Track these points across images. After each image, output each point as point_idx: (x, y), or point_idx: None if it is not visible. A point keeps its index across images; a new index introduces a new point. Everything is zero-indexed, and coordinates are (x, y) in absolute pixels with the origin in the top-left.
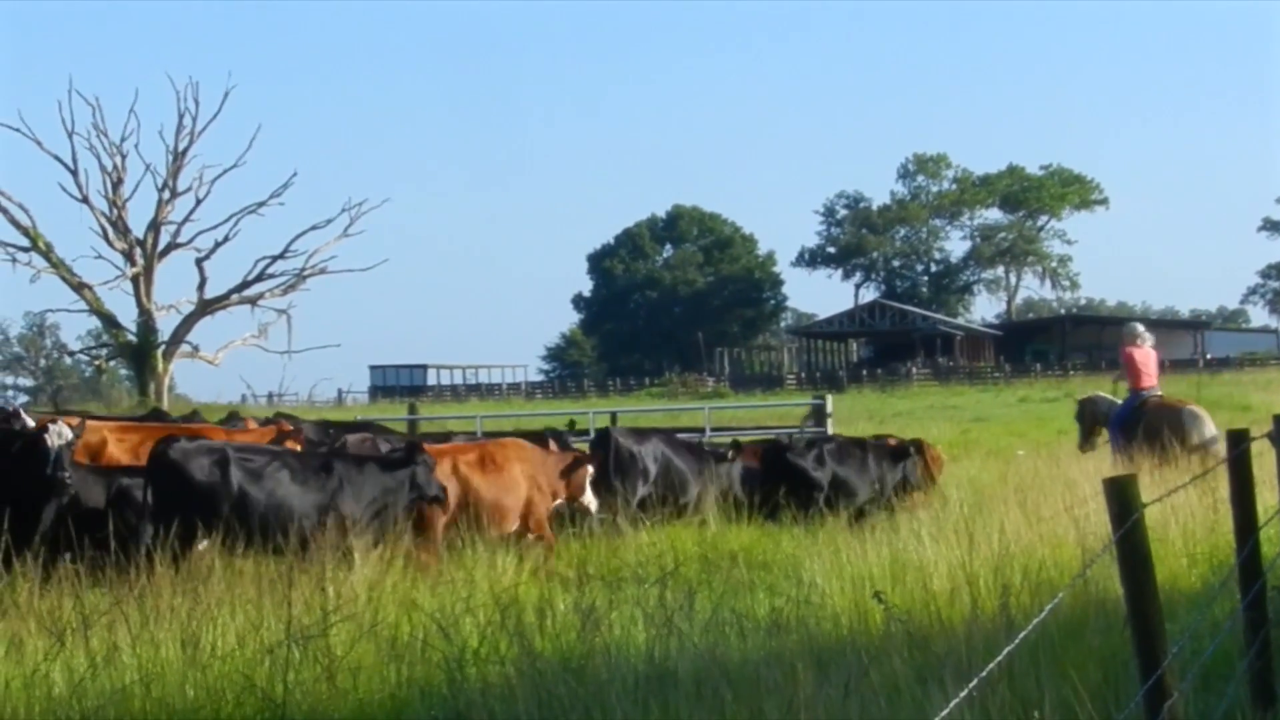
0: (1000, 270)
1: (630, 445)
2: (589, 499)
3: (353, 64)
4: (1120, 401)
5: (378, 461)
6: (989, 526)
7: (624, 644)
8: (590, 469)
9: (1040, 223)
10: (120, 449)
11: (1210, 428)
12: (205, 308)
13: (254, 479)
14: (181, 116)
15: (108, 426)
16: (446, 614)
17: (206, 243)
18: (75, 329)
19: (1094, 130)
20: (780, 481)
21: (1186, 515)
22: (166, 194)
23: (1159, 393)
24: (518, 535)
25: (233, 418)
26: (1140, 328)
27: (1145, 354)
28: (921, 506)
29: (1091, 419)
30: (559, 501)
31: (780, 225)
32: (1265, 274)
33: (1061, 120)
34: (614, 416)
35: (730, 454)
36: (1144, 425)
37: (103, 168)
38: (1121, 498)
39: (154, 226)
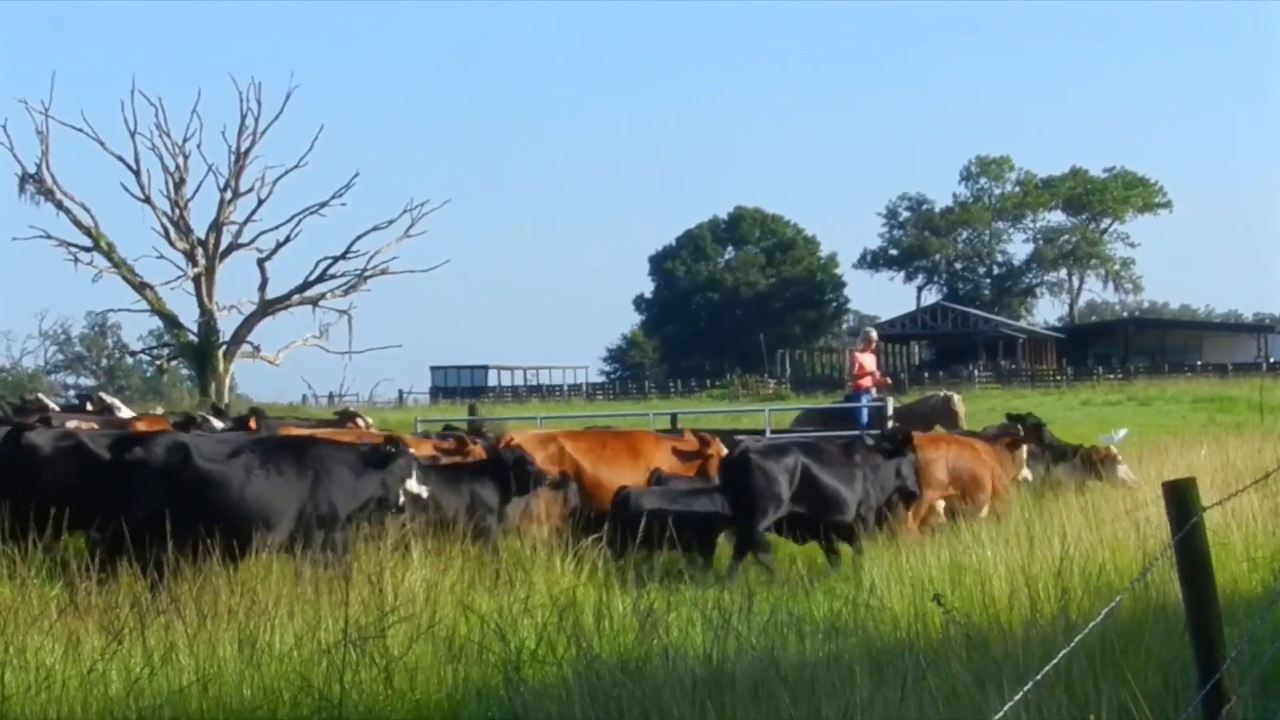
0: (1063, 273)
1: None
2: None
3: (414, 64)
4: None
5: (881, 451)
6: (1049, 530)
7: (682, 646)
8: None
9: (1103, 225)
10: (579, 456)
11: None
12: (266, 308)
13: (825, 469)
14: (244, 117)
15: (556, 433)
16: (504, 615)
17: (268, 243)
18: (137, 329)
19: (1158, 133)
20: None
21: (1248, 519)
22: (228, 194)
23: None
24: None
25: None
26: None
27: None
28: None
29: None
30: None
31: (842, 227)
32: None
33: (1125, 123)
34: (674, 418)
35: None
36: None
37: (165, 168)
38: (1180, 501)
39: (216, 227)
